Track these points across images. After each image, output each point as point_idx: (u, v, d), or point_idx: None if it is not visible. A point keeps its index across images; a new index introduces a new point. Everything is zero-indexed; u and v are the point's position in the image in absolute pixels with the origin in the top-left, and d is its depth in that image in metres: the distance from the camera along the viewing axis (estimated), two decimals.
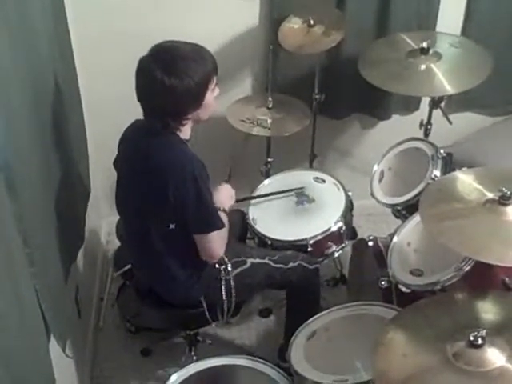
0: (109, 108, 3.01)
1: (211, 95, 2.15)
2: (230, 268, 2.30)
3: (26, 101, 1.87)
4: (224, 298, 2.32)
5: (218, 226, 2.17)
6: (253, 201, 2.75)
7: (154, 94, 2.05)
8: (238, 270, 2.33)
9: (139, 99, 2.10)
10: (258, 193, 2.79)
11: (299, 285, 2.47)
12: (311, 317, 2.23)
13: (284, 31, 2.82)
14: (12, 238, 1.61)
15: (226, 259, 2.30)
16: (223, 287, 2.31)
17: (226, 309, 2.34)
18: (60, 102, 2.30)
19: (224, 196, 2.36)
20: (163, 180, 2.08)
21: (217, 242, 2.20)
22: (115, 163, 2.35)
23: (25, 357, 1.64)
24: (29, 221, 1.74)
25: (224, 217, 2.26)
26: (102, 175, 3.21)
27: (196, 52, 2.08)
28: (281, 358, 2.53)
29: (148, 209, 2.18)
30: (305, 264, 2.45)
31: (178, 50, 2.06)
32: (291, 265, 2.42)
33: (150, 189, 2.13)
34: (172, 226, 2.16)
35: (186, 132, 2.17)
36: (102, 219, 3.41)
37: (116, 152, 2.34)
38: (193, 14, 2.90)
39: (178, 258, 2.24)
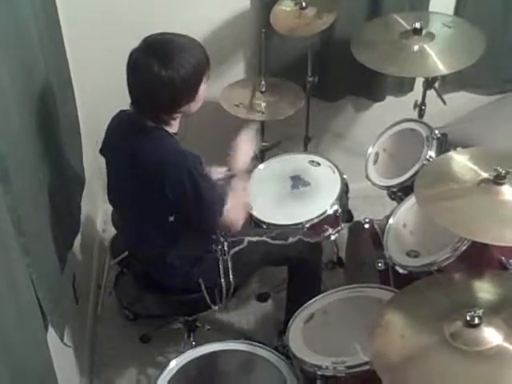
0: (101, 97, 2.98)
1: (204, 87, 2.13)
2: (226, 248, 2.30)
3: (17, 92, 1.85)
4: (222, 279, 2.31)
5: (217, 215, 2.13)
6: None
7: (150, 88, 2.02)
8: (236, 249, 2.33)
9: (131, 93, 2.07)
10: (253, 178, 2.79)
11: (300, 259, 2.46)
12: (314, 292, 2.22)
13: (276, 14, 2.80)
14: (6, 227, 1.60)
15: (223, 239, 2.31)
16: (221, 268, 2.30)
17: (224, 290, 2.33)
18: (52, 92, 2.29)
19: (238, 201, 2.28)
20: (159, 178, 2.06)
21: (227, 220, 2.16)
22: (101, 151, 2.33)
23: (23, 347, 1.64)
24: (22, 210, 1.73)
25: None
26: (96, 164, 3.20)
27: (189, 43, 2.07)
28: (281, 336, 2.53)
29: (145, 205, 2.16)
30: (305, 239, 2.45)
31: (172, 41, 2.04)
32: (291, 240, 2.42)
33: (145, 187, 2.12)
34: (171, 219, 2.15)
35: (174, 126, 2.15)
36: (98, 207, 3.40)
37: None
38: None
39: (176, 247, 2.24)
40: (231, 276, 2.31)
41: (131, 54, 2.04)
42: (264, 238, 2.40)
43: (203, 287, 2.30)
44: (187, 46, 2.04)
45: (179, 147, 2.11)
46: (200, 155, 2.12)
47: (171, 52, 2.01)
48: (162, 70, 1.97)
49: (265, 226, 2.57)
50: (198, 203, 2.09)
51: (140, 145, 2.11)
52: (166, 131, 2.12)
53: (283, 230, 2.46)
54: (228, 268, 2.31)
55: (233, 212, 2.18)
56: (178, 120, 2.15)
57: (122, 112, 2.23)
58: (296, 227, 2.52)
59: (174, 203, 2.09)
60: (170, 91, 2.02)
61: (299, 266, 2.50)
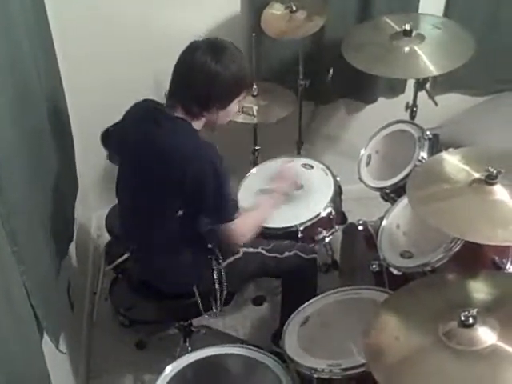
0: (94, 101, 2.99)
1: (235, 105, 2.20)
2: (221, 258, 2.31)
3: (9, 97, 1.85)
4: (216, 287, 2.32)
5: (231, 217, 2.16)
6: (242, 189, 2.74)
7: (195, 75, 2.08)
8: (231, 259, 2.34)
9: (174, 78, 2.13)
10: (246, 181, 2.79)
11: (295, 274, 2.47)
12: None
13: (266, 18, 2.80)
14: None
15: (217, 249, 2.31)
16: (215, 276, 2.31)
17: (218, 298, 2.34)
18: (43, 97, 2.28)
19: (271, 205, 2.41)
20: (180, 168, 2.07)
21: (237, 230, 2.19)
22: (104, 141, 2.38)
23: (18, 355, 1.64)
24: (15, 218, 1.73)
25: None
26: (90, 169, 3.21)
27: (243, 59, 2.17)
28: (274, 343, 2.55)
29: (159, 195, 2.16)
30: (301, 254, 2.46)
31: (231, 47, 2.14)
32: (286, 254, 2.43)
33: (164, 176, 2.12)
34: (180, 213, 2.16)
35: (198, 125, 2.17)
36: (92, 213, 3.40)
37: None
38: (174, 2, 2.88)
39: (177, 244, 2.24)
40: (225, 284, 2.32)
41: (192, 43, 2.12)
42: (260, 250, 2.40)
43: (197, 294, 2.31)
44: (240, 58, 2.15)
45: (203, 140, 2.14)
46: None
47: (226, 53, 2.11)
48: (212, 63, 2.06)
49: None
50: (217, 197, 2.11)
51: (162, 133, 2.13)
52: (191, 125, 2.14)
53: (280, 243, 2.46)
54: (222, 276, 2.31)
55: (242, 225, 2.21)
56: (202, 122, 2.17)
57: (143, 102, 2.26)
58: (288, 236, 2.53)
59: (189, 196, 2.10)
60: (210, 84, 2.08)
61: (293, 280, 2.51)
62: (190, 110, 2.12)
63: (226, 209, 2.17)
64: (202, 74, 2.07)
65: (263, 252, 2.40)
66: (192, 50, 2.11)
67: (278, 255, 2.42)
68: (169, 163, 2.10)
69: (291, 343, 2.12)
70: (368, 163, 2.70)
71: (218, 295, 2.33)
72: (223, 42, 2.14)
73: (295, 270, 2.45)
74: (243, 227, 2.22)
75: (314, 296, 2.36)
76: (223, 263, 2.31)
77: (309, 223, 2.55)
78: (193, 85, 2.10)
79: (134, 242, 2.40)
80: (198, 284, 2.31)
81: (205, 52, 2.08)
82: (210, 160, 2.07)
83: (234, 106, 2.20)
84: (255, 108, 2.84)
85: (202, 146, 2.11)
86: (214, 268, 2.31)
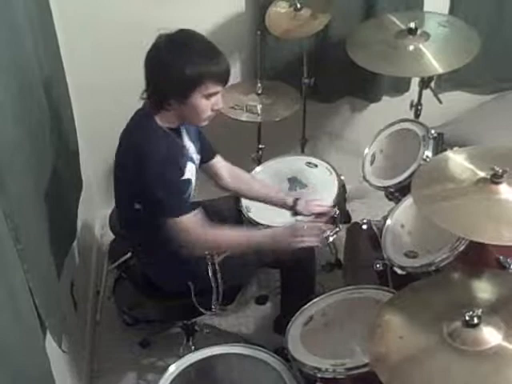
0: (98, 100, 2.99)
1: (201, 100, 2.06)
2: (214, 253, 2.25)
3: (12, 95, 1.85)
4: (212, 283, 2.27)
5: (177, 212, 2.09)
6: None
7: (151, 66, 2.06)
8: (226, 253, 2.29)
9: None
10: None
11: (293, 262, 2.43)
12: (306, 294, 2.20)
13: (271, 16, 2.80)
14: (2, 234, 1.60)
15: None
16: (210, 271, 2.26)
17: (216, 294, 2.30)
18: (47, 95, 2.28)
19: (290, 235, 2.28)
20: (128, 161, 2.11)
21: (185, 231, 2.11)
22: None
23: (21, 354, 1.64)
24: (19, 217, 1.72)
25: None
26: (94, 168, 3.21)
27: (207, 51, 2.05)
28: (276, 330, 2.52)
29: (119, 188, 2.22)
30: None
31: (193, 38, 2.06)
32: None
33: (119, 167, 2.18)
34: (137, 207, 2.15)
35: (169, 119, 2.13)
36: (96, 212, 3.40)
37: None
38: (179, 0, 2.88)
39: (152, 239, 2.23)
40: (222, 280, 2.27)
41: (163, 33, 2.06)
42: None
43: (193, 291, 2.28)
44: (201, 50, 2.04)
45: (155, 140, 2.09)
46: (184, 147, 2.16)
47: (183, 44, 2.03)
48: (164, 52, 2.01)
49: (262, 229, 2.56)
50: (160, 189, 2.07)
51: (128, 126, 2.16)
52: (155, 122, 2.11)
53: None
54: (217, 273, 2.27)
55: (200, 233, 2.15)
56: (169, 114, 2.11)
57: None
58: None
59: (140, 190, 2.09)
60: (157, 73, 2.04)
61: (291, 269, 2.49)
62: (153, 102, 2.10)
63: (170, 203, 2.10)
64: (151, 62, 2.05)
65: None
66: (157, 39, 2.06)
67: None
68: (122, 156, 2.14)
69: (295, 342, 2.11)
70: (372, 162, 2.69)
71: (215, 291, 2.29)
72: (191, 34, 2.06)
73: (293, 258, 2.40)
74: (201, 236, 2.16)
75: (313, 284, 2.32)
76: (217, 259, 2.25)
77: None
78: (147, 74, 2.08)
79: (133, 241, 2.41)
80: (193, 281, 2.28)
81: (162, 41, 2.03)
82: (149, 163, 2.04)
83: (199, 101, 2.06)
84: (259, 106, 2.84)
85: (150, 135, 2.08)
86: (208, 263, 2.25)
